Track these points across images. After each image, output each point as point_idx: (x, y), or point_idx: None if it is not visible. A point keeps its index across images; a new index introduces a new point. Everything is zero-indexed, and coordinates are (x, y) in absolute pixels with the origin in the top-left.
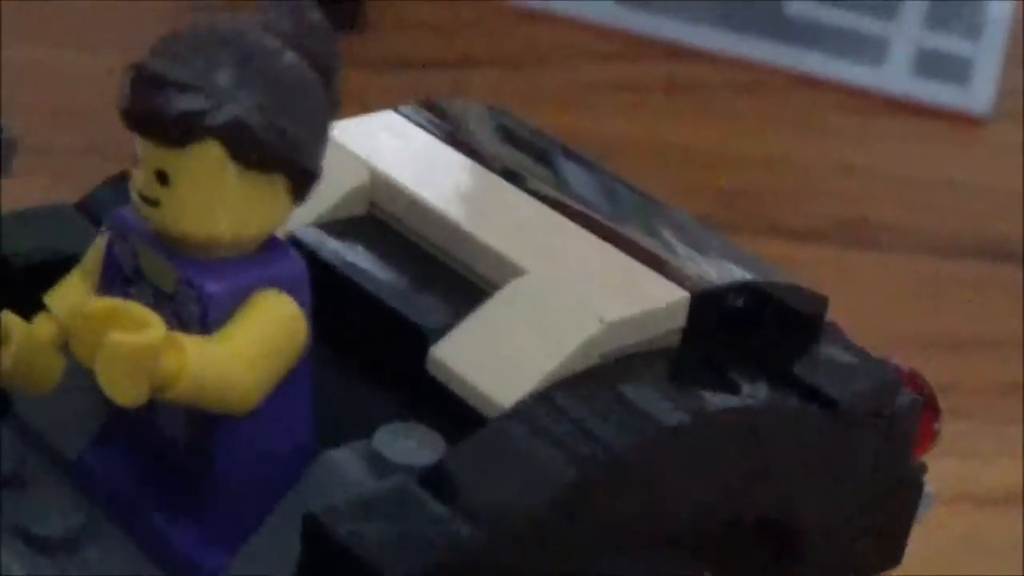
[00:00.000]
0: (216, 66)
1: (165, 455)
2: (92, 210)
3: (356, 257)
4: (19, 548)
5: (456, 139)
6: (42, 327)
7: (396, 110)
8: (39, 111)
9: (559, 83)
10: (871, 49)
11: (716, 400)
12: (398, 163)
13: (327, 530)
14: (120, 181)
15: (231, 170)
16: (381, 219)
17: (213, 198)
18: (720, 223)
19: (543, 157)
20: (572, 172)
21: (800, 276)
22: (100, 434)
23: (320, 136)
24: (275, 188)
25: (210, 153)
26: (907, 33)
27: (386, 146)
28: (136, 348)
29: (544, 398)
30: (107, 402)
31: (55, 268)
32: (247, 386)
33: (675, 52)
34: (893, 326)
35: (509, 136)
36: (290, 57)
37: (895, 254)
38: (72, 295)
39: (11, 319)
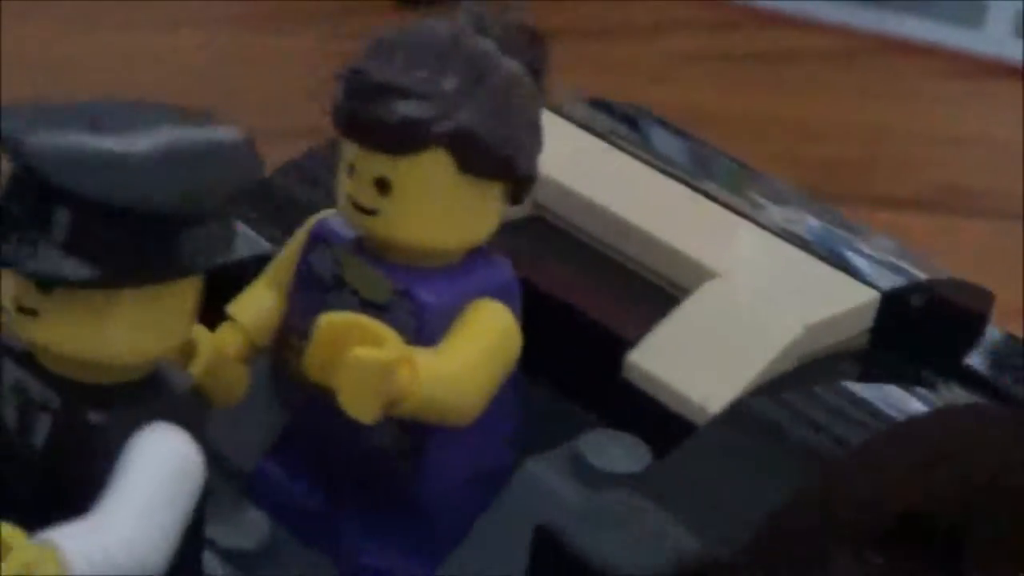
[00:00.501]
0: (441, 72)
1: (362, 464)
2: None
3: (534, 261)
4: (209, 559)
5: (613, 138)
6: (228, 338)
7: (548, 108)
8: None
9: (654, 53)
10: (970, 11)
11: (919, 399)
12: (561, 163)
13: (560, 541)
14: (266, 181)
15: (456, 178)
16: (548, 220)
17: (437, 207)
18: (822, 193)
19: (696, 156)
20: (729, 172)
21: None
22: (277, 444)
23: (538, 139)
24: (493, 194)
25: (437, 161)
26: None
27: (546, 145)
28: (379, 364)
29: (754, 402)
30: (291, 411)
31: (224, 273)
32: (472, 400)
33: (771, 20)
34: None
35: (660, 135)
36: (508, 61)
37: (998, 221)
38: (259, 305)
39: (200, 332)
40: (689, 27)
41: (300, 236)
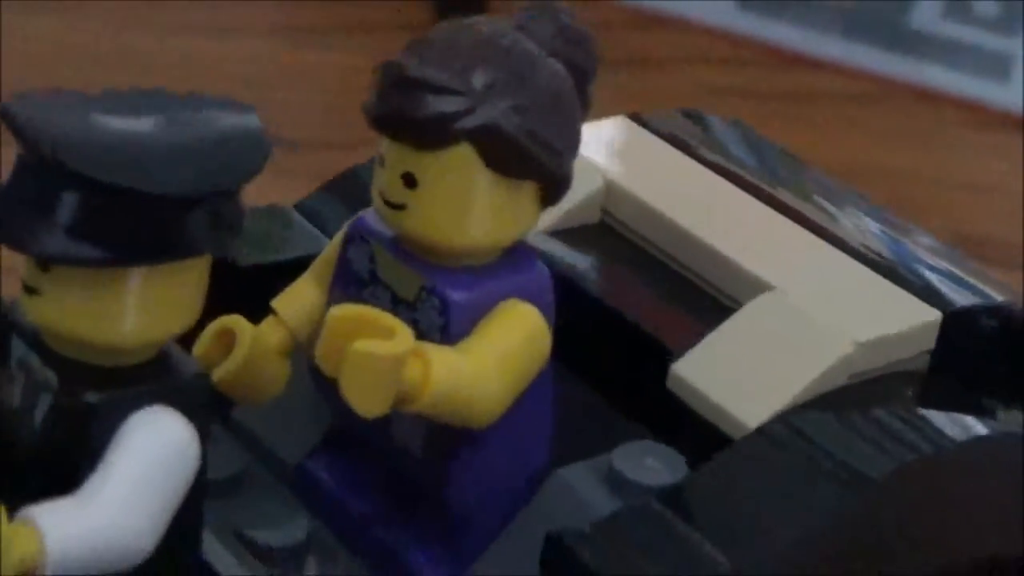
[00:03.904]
0: (472, 69)
1: (395, 466)
2: (311, 212)
3: (591, 267)
4: (240, 553)
5: (690, 148)
6: (270, 332)
7: (629, 116)
8: None
9: (679, 89)
10: (993, 65)
11: (973, 427)
12: (632, 171)
13: (571, 552)
14: (340, 183)
15: (483, 175)
16: (614, 228)
17: (462, 204)
18: None
19: (778, 169)
20: (807, 184)
21: None
22: (323, 441)
23: (573, 142)
24: (525, 195)
25: (463, 156)
26: None
27: (619, 153)
28: (383, 358)
29: (794, 420)
30: (332, 409)
31: (279, 270)
32: (490, 400)
33: (796, 60)
34: None
35: (744, 147)
36: (547, 61)
37: (1016, 271)
38: (302, 300)
39: (240, 324)
40: (717, 63)
41: (342, 232)
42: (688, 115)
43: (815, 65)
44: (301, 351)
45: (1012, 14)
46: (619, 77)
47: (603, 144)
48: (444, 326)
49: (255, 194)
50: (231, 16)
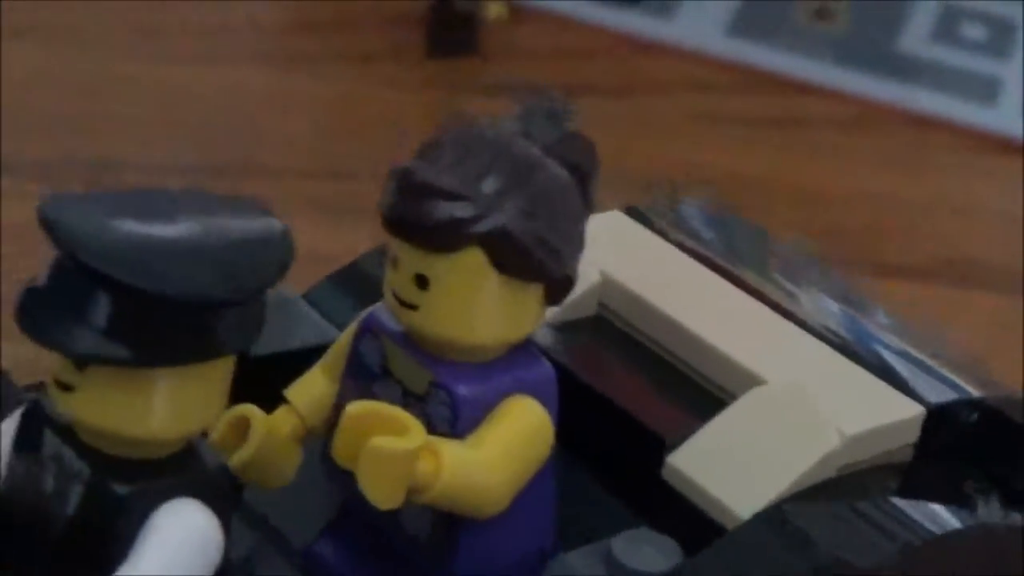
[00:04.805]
0: (482, 175)
1: (402, 550)
2: (318, 302)
3: (589, 360)
4: None
5: (684, 242)
6: (283, 421)
7: (624, 210)
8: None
9: (669, 114)
10: (982, 88)
11: (954, 518)
12: (628, 265)
13: None
14: (344, 274)
15: (492, 277)
16: (611, 321)
17: (472, 304)
18: (829, 260)
19: (768, 261)
20: (798, 277)
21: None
22: (331, 526)
23: (577, 244)
24: (531, 295)
25: (473, 260)
26: (1019, 73)
27: (615, 247)
28: (398, 454)
29: (784, 510)
30: (342, 495)
31: (289, 359)
32: (498, 492)
33: (785, 86)
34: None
35: (736, 240)
36: (552, 166)
37: (1004, 295)
38: (314, 390)
39: (255, 412)
40: (706, 88)
41: (353, 325)
42: (680, 205)
43: (803, 90)
44: (311, 437)
45: (1001, 37)
46: (608, 104)
47: (599, 239)
48: (453, 420)
49: None
50: (220, 45)
